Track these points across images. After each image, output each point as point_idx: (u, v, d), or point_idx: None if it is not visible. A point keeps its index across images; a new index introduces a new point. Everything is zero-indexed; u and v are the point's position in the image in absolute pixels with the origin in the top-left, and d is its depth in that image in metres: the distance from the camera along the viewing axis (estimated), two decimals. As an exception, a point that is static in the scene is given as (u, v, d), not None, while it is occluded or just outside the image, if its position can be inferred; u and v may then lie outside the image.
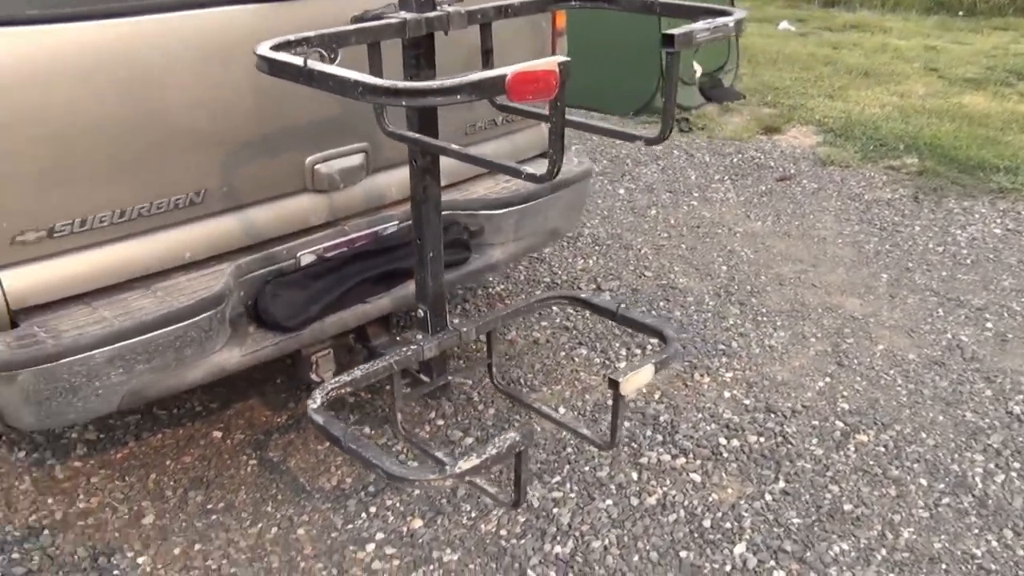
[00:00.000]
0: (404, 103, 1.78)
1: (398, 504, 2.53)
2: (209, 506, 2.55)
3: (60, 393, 2.05)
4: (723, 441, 2.80)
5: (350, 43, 2.00)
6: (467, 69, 2.11)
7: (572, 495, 2.56)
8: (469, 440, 2.81)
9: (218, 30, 2.18)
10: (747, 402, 3.00)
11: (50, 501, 2.58)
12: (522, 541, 2.40)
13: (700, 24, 1.98)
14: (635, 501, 2.55)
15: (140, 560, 2.37)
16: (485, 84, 1.55)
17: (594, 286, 3.78)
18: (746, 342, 3.36)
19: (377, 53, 2.04)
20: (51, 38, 1.95)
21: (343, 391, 2.24)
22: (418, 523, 2.48)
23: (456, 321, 2.51)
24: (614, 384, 2.23)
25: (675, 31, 1.90)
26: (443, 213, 2.59)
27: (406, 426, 2.68)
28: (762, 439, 2.81)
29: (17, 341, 2.01)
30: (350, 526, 2.47)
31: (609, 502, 2.54)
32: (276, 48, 1.86)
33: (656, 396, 3.01)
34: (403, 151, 2.54)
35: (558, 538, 2.41)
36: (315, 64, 1.74)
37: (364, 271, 2.57)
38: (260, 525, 2.48)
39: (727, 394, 3.04)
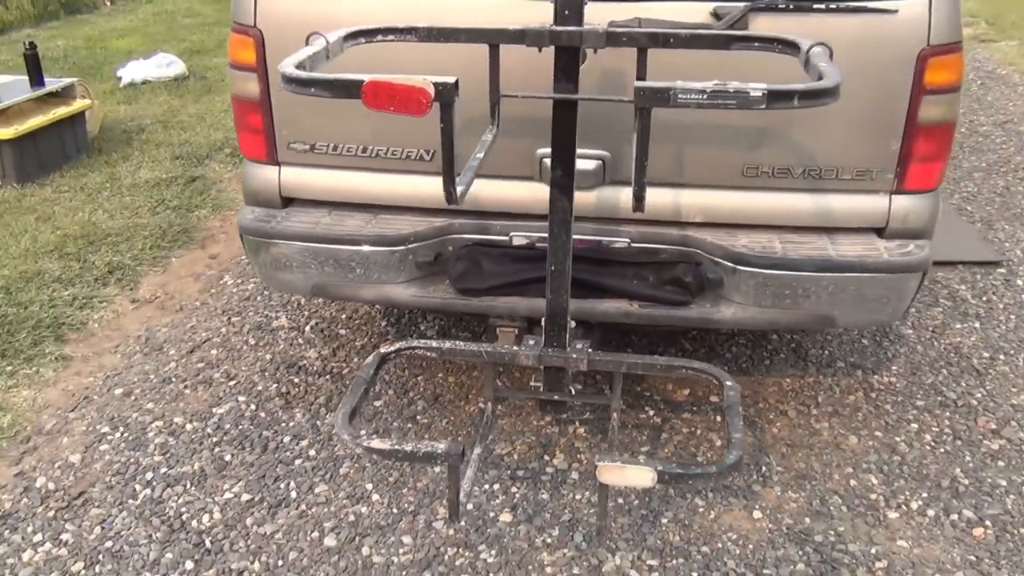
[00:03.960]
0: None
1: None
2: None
3: (280, 265, 2.73)
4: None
5: None
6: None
7: None
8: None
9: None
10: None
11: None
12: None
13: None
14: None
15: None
16: (338, 84, 1.63)
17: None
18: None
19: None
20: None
21: (427, 353, 2.45)
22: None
23: (579, 346, 2.43)
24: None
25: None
26: (679, 249, 2.51)
27: (492, 418, 2.71)
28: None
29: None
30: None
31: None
32: None
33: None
34: (650, 170, 2.49)
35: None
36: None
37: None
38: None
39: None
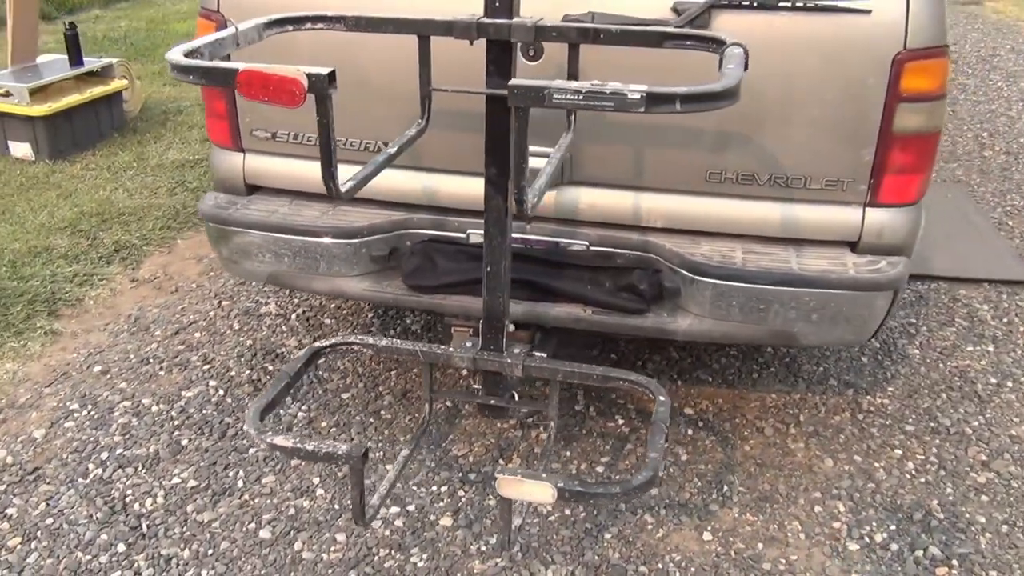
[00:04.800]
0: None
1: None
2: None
3: (237, 252, 2.71)
4: None
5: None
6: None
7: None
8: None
9: None
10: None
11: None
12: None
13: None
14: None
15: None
16: (215, 72, 1.58)
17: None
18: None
19: None
20: None
21: (363, 349, 2.40)
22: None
23: (516, 351, 2.34)
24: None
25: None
26: (637, 255, 2.42)
27: (428, 419, 2.65)
28: None
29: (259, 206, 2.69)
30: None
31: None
32: None
33: None
34: (609, 171, 2.41)
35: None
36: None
37: (520, 272, 2.53)
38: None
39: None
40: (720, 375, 3.27)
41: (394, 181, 2.60)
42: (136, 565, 2.40)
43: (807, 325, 2.39)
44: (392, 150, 2.09)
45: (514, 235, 2.55)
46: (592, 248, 2.52)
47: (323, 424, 2.97)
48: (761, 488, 2.71)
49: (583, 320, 2.51)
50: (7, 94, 5.06)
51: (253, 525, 2.54)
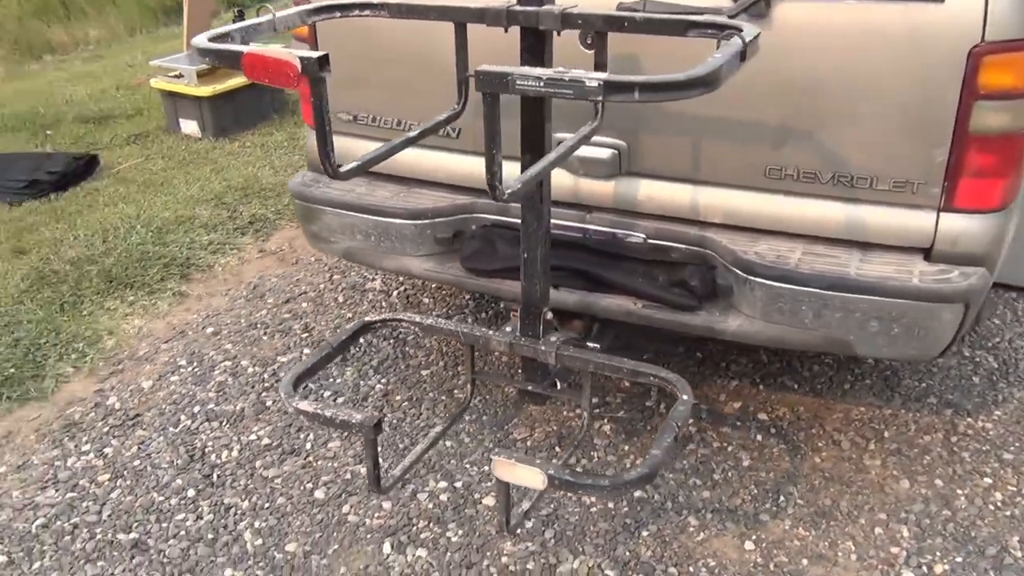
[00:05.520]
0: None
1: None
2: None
3: (316, 227, 2.87)
4: None
5: None
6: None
7: None
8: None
9: None
10: None
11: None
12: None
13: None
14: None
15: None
16: (224, 54, 1.69)
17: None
18: None
19: None
20: None
21: (411, 327, 2.48)
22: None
23: (552, 339, 2.35)
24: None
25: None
26: (693, 250, 2.40)
27: (470, 399, 2.70)
28: None
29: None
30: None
31: None
32: None
33: None
34: (667, 163, 2.38)
35: None
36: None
37: (575, 261, 2.54)
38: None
39: None
40: (808, 383, 3.12)
41: (460, 165, 2.67)
42: (200, 509, 2.61)
43: (864, 334, 2.25)
44: (413, 133, 2.15)
45: (574, 224, 2.57)
46: (649, 241, 2.48)
47: (397, 398, 3.09)
48: (821, 503, 2.58)
49: (633, 313, 2.48)
50: (179, 75, 5.54)
51: (310, 485, 2.69)
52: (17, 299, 3.70)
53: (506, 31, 2.06)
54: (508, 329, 2.41)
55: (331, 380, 3.19)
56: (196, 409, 3.06)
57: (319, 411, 2.08)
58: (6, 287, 3.78)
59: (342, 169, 1.85)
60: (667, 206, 2.48)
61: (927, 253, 2.28)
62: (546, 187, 2.19)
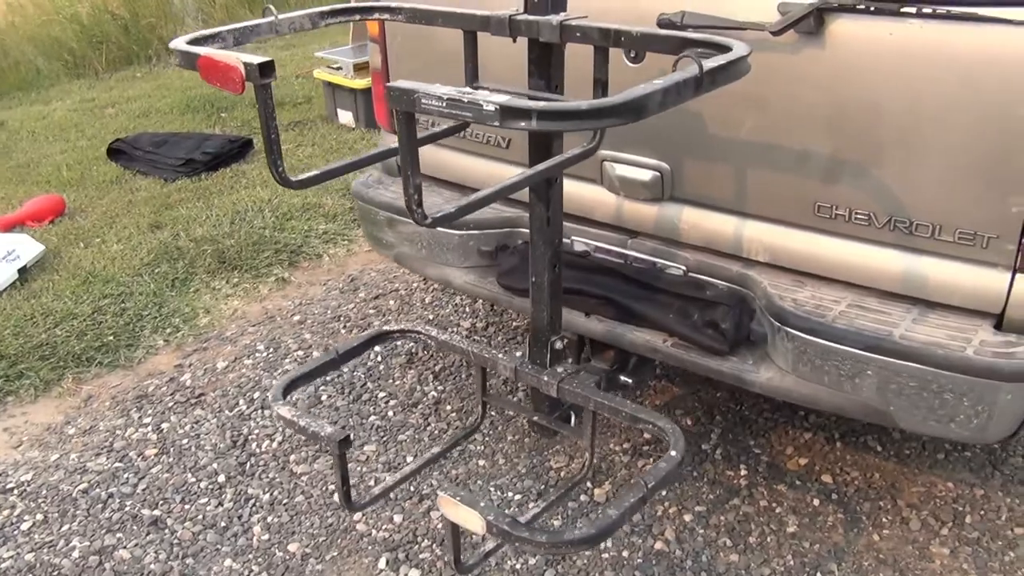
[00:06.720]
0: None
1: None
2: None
3: (372, 228, 2.86)
4: None
5: None
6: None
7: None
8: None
9: None
10: None
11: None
12: None
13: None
14: None
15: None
16: (187, 56, 1.68)
17: None
18: None
19: None
20: None
21: (426, 340, 2.41)
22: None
23: (560, 369, 2.19)
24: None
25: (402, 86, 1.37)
26: (730, 289, 2.23)
27: (479, 421, 2.59)
28: None
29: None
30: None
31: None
32: None
33: None
34: (711, 191, 2.20)
35: None
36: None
37: (611, 290, 2.38)
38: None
39: None
40: (894, 446, 2.77)
41: (507, 175, 2.55)
42: (224, 496, 2.66)
43: (906, 406, 1.94)
44: (386, 148, 2.07)
45: (615, 248, 2.40)
46: (689, 274, 2.27)
47: (447, 408, 3.03)
48: (864, 588, 2.27)
49: (659, 351, 2.28)
50: (339, 67, 5.73)
51: (332, 487, 2.68)
52: (137, 271, 3.95)
53: (514, 41, 1.93)
54: (518, 354, 2.28)
55: (390, 381, 3.17)
56: (256, 395, 3.13)
57: (294, 419, 2.05)
58: (132, 260, 4.05)
59: (294, 179, 1.80)
60: (710, 237, 2.26)
61: (998, 320, 1.93)
62: (555, 209, 2.04)
